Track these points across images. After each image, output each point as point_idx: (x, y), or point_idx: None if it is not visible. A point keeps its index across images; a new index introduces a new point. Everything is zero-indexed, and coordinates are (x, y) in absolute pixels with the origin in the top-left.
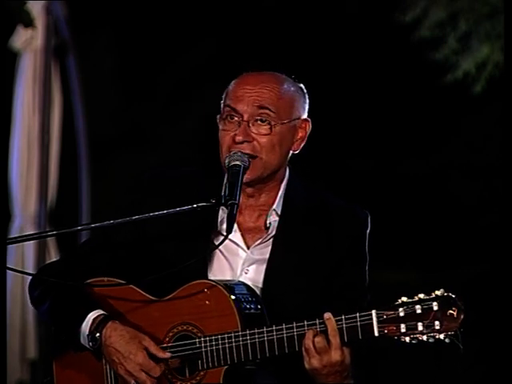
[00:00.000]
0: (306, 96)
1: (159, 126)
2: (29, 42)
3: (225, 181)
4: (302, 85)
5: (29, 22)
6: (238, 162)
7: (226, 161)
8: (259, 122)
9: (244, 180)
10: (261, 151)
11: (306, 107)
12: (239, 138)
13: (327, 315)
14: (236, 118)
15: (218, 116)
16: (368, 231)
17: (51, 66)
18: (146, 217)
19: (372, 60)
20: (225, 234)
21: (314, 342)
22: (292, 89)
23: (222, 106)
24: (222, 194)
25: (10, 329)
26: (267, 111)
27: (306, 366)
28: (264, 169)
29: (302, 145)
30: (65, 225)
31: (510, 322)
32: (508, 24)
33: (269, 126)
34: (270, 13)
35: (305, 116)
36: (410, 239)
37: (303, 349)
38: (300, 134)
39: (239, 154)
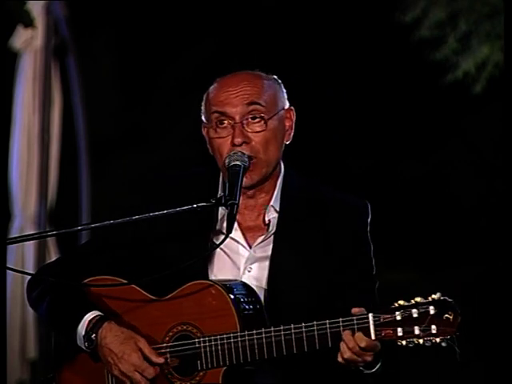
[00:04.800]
0: (282, 86)
1: (159, 126)
2: (29, 42)
3: (220, 180)
4: (275, 76)
5: (29, 22)
6: (238, 162)
7: (226, 161)
8: (251, 119)
9: (246, 184)
10: (259, 151)
11: (286, 96)
12: (238, 141)
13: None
14: (227, 123)
15: (204, 126)
16: (369, 219)
17: (51, 66)
18: (146, 217)
19: (372, 60)
20: (225, 231)
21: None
22: (270, 81)
23: (204, 115)
24: (222, 193)
25: (10, 329)
26: (257, 106)
27: (340, 359)
28: (266, 167)
29: (292, 134)
30: (65, 225)
31: (509, 321)
32: (508, 24)
33: (263, 121)
34: (270, 13)
35: (287, 105)
36: (409, 239)
37: (344, 346)
38: (288, 124)
39: (239, 153)
